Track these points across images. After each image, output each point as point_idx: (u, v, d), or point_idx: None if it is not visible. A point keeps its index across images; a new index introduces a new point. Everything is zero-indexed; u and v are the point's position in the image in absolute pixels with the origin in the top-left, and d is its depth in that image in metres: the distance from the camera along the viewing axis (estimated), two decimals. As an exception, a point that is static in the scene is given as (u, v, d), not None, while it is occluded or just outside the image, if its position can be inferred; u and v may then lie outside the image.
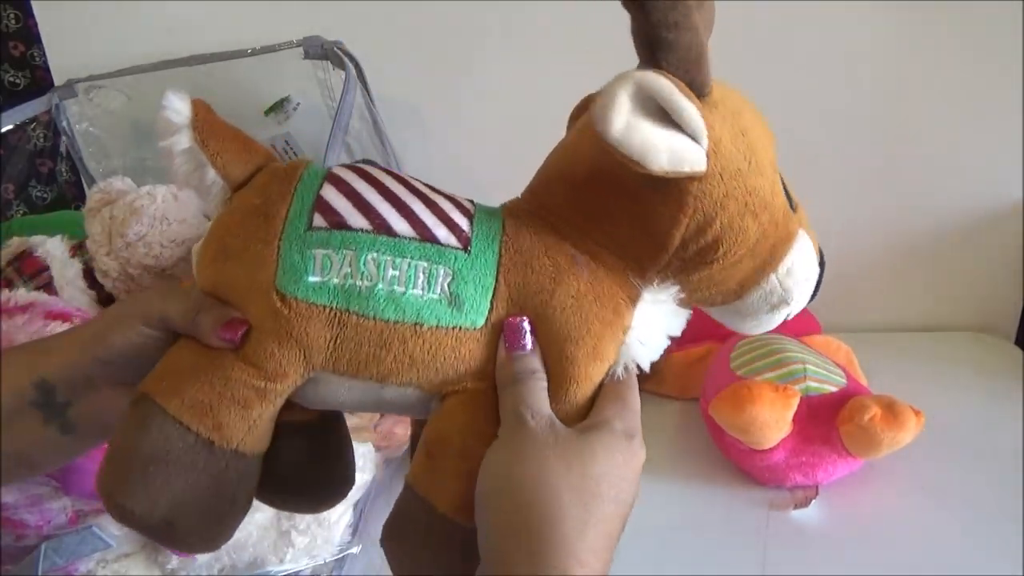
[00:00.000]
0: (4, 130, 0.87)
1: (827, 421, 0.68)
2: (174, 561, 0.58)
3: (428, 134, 0.97)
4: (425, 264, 0.33)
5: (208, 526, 0.34)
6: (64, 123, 0.92)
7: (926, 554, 0.63)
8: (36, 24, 0.95)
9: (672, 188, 0.32)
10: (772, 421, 0.65)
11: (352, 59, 0.83)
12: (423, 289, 0.33)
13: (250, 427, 0.34)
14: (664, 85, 0.30)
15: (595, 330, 0.33)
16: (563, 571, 0.29)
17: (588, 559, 0.30)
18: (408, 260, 0.33)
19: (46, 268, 0.69)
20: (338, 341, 0.33)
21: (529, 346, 0.33)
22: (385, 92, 0.88)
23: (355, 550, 0.64)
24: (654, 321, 0.35)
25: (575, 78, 1.04)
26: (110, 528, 0.56)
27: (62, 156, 0.95)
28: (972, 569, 0.61)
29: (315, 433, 0.38)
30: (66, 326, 0.53)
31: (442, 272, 0.33)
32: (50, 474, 0.52)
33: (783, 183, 0.36)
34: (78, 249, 0.72)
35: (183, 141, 0.34)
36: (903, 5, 0.85)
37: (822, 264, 0.37)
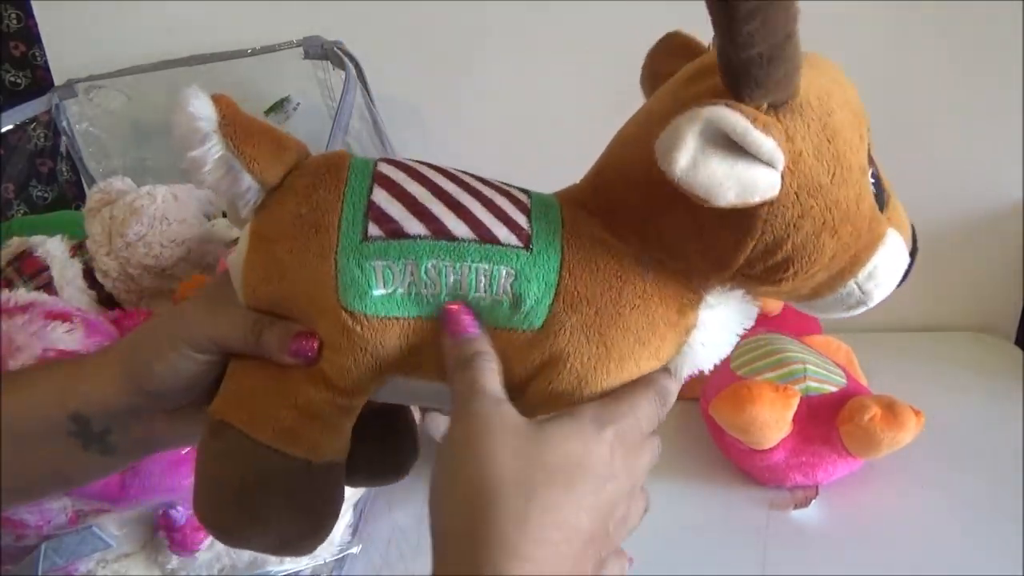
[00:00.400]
0: (4, 130, 0.87)
1: (827, 421, 0.68)
2: (174, 561, 0.58)
3: (428, 134, 0.97)
4: (486, 266, 0.32)
5: (315, 530, 0.35)
6: (64, 123, 0.92)
7: (926, 554, 0.63)
8: (36, 24, 0.95)
9: (738, 212, 0.29)
10: (772, 421, 0.65)
11: (352, 59, 0.83)
12: (485, 291, 0.32)
13: (339, 438, 0.34)
14: (738, 123, 0.27)
15: (660, 331, 0.33)
16: (501, 571, 0.27)
17: (532, 552, 0.27)
18: (468, 264, 0.31)
19: (46, 268, 0.69)
20: (410, 349, 0.33)
21: (476, 330, 0.32)
22: (385, 92, 0.88)
23: (355, 550, 0.64)
24: (719, 322, 0.34)
25: (575, 78, 1.04)
26: (110, 528, 0.56)
27: (62, 156, 0.95)
28: (972, 569, 0.61)
29: (386, 412, 0.39)
30: (66, 326, 0.53)
31: (504, 272, 0.32)
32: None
33: (876, 174, 0.33)
34: (78, 249, 0.72)
35: (216, 149, 0.32)
36: (903, 5, 0.85)
37: (914, 252, 0.35)
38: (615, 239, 0.33)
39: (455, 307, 0.32)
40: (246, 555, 0.60)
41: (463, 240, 0.32)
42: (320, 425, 0.33)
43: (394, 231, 0.31)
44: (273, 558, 0.60)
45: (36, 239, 0.71)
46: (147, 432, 0.36)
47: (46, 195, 0.97)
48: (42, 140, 0.93)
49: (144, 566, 0.58)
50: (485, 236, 0.32)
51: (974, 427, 0.78)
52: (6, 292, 0.58)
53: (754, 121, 0.28)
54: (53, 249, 0.70)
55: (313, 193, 0.32)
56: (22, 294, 0.57)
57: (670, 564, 0.60)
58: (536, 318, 0.32)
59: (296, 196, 0.33)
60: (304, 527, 0.34)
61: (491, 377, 0.31)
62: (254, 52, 0.87)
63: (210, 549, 0.58)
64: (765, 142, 0.28)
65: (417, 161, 0.35)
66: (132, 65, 0.90)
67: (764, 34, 0.26)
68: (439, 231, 0.32)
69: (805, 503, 0.68)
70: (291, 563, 0.60)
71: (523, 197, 0.34)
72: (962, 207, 0.95)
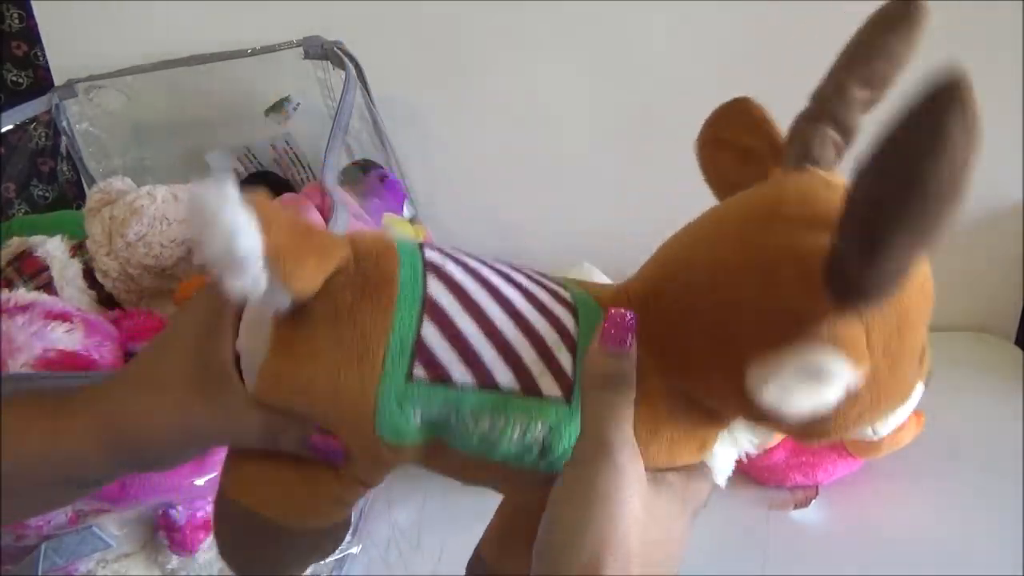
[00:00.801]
0: (5, 130, 0.87)
1: (827, 421, 0.68)
2: (174, 561, 0.58)
3: (428, 134, 0.97)
4: (525, 420, 0.31)
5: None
6: (64, 123, 0.92)
7: (926, 554, 0.63)
8: (36, 24, 0.95)
9: None
10: (772, 421, 0.65)
11: (352, 59, 0.83)
12: (517, 440, 0.31)
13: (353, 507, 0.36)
14: (839, 372, 0.26)
15: (681, 461, 0.33)
16: None
17: None
18: (506, 415, 0.31)
19: (46, 268, 0.69)
20: (430, 458, 0.33)
21: (630, 346, 0.29)
22: (385, 92, 0.88)
23: (355, 550, 0.64)
24: (729, 453, 0.35)
25: (575, 78, 1.04)
26: (110, 528, 0.56)
27: (63, 156, 0.95)
28: (972, 569, 0.61)
29: None
30: (66, 326, 0.53)
31: (539, 426, 0.31)
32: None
33: (923, 350, 0.33)
34: (78, 249, 0.72)
35: (261, 281, 0.28)
36: (903, 5, 0.85)
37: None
38: (656, 374, 0.32)
39: (620, 313, 0.30)
40: (246, 555, 0.60)
41: (506, 390, 0.31)
42: (340, 506, 0.35)
43: (439, 377, 0.30)
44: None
45: (36, 239, 0.71)
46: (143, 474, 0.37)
47: (47, 195, 0.97)
48: (42, 140, 0.93)
49: (144, 566, 0.58)
50: (529, 387, 0.31)
51: (974, 427, 0.78)
52: (6, 292, 0.58)
53: (849, 365, 0.26)
54: (53, 249, 0.70)
55: (359, 316, 0.30)
56: (22, 294, 0.57)
57: (670, 564, 0.60)
58: (559, 466, 0.31)
59: (339, 316, 0.30)
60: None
61: (629, 412, 0.29)
62: (254, 52, 0.87)
63: (210, 549, 0.58)
64: (852, 379, 0.27)
65: (466, 263, 0.33)
66: (132, 65, 0.90)
67: (911, 253, 0.25)
68: (485, 381, 0.31)
69: (805, 503, 0.68)
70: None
71: (571, 323, 0.33)
72: (962, 207, 0.95)
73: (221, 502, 0.34)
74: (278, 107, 0.90)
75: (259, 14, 0.91)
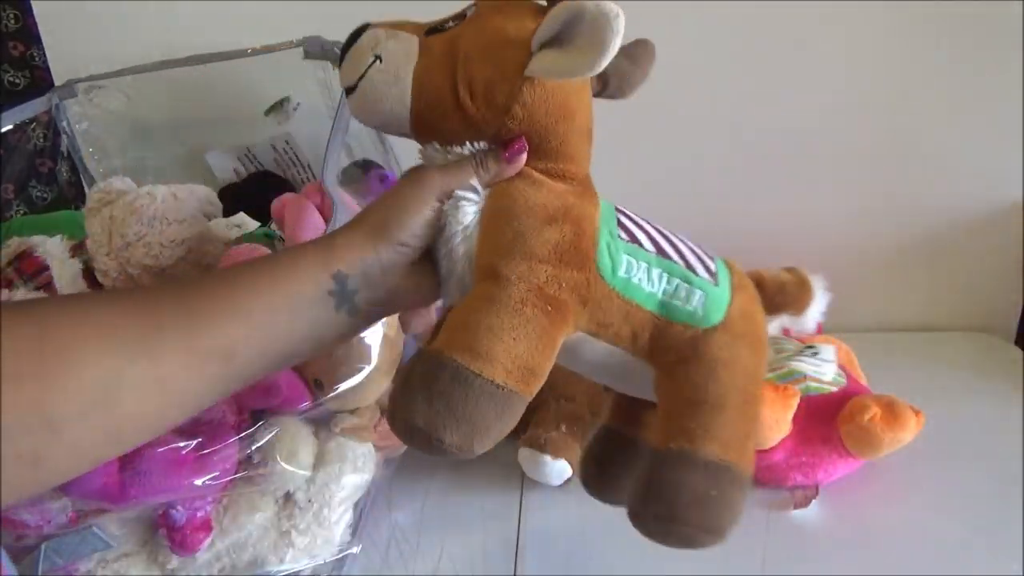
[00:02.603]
0: (4, 130, 0.86)
1: (827, 421, 0.68)
2: (174, 561, 0.58)
3: (428, 134, 0.97)
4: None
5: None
6: (64, 123, 0.92)
7: (926, 554, 0.63)
8: (36, 24, 0.95)
9: None
10: (772, 421, 0.65)
11: (352, 59, 0.82)
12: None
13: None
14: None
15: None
16: None
17: None
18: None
19: (46, 268, 0.68)
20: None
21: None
22: (385, 92, 0.88)
23: (355, 550, 0.64)
24: None
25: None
26: (110, 528, 0.56)
27: (62, 156, 0.95)
28: (972, 569, 0.61)
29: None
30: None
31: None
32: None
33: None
34: (78, 249, 0.72)
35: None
36: (903, 4, 0.85)
37: None
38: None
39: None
40: (246, 555, 0.60)
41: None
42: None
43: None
44: (273, 558, 0.60)
45: (36, 239, 0.71)
46: (388, 288, 0.43)
47: (46, 195, 0.97)
48: (42, 140, 0.92)
49: (144, 566, 0.58)
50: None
51: (974, 427, 0.78)
52: (6, 292, 0.58)
53: None
54: (53, 249, 0.70)
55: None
56: (22, 294, 0.57)
57: (670, 563, 0.60)
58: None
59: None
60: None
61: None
62: (254, 52, 0.87)
63: (210, 549, 0.58)
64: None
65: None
66: (132, 65, 0.90)
67: None
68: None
69: (805, 503, 0.68)
70: (291, 563, 0.60)
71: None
72: (962, 207, 0.95)
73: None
74: (278, 107, 0.90)
75: (259, 14, 0.91)
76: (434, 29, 0.43)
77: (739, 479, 0.43)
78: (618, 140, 0.96)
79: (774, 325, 0.50)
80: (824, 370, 0.72)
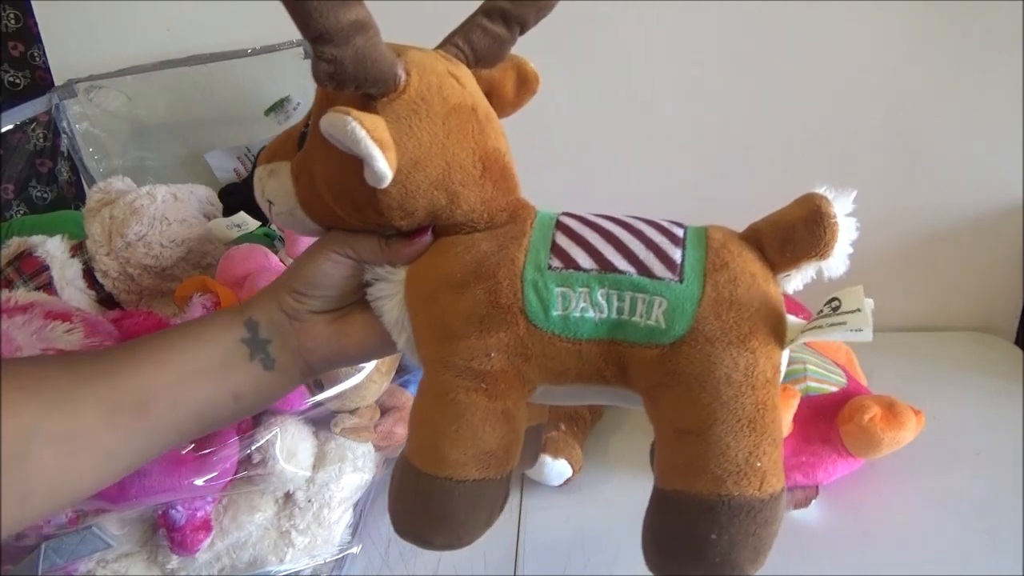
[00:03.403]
0: (4, 130, 0.86)
1: (827, 421, 0.68)
2: (174, 561, 0.58)
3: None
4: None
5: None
6: (64, 123, 0.92)
7: (926, 554, 0.63)
8: (36, 24, 0.95)
9: None
10: (772, 421, 0.65)
11: (352, 59, 0.83)
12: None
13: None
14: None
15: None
16: None
17: None
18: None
19: (46, 268, 0.68)
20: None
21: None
22: (385, 92, 0.88)
23: (355, 550, 0.64)
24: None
25: (574, 78, 1.04)
26: (110, 528, 0.56)
27: (62, 156, 0.95)
28: (972, 569, 0.61)
29: None
30: (66, 326, 0.53)
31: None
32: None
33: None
34: (78, 249, 0.72)
35: None
36: (905, 5, 0.85)
37: None
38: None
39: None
40: (246, 555, 0.60)
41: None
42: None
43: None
44: (273, 558, 0.60)
45: (36, 239, 0.71)
46: (300, 341, 0.43)
47: (46, 195, 0.97)
48: (42, 140, 0.92)
49: (144, 566, 0.58)
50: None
51: (974, 427, 0.78)
52: (6, 292, 0.58)
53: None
54: (53, 249, 0.70)
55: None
56: (22, 294, 0.57)
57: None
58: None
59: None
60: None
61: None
62: (254, 52, 0.87)
63: (210, 549, 0.58)
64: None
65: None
66: (132, 65, 0.90)
67: None
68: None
69: (805, 503, 0.68)
70: (291, 562, 0.60)
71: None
72: (963, 207, 0.95)
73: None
74: (278, 107, 0.90)
75: (259, 14, 0.91)
76: (303, 136, 0.43)
77: (744, 508, 0.36)
78: (618, 140, 0.97)
79: (796, 281, 0.41)
80: (829, 375, 0.72)
